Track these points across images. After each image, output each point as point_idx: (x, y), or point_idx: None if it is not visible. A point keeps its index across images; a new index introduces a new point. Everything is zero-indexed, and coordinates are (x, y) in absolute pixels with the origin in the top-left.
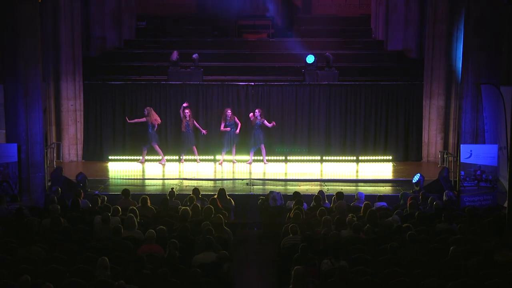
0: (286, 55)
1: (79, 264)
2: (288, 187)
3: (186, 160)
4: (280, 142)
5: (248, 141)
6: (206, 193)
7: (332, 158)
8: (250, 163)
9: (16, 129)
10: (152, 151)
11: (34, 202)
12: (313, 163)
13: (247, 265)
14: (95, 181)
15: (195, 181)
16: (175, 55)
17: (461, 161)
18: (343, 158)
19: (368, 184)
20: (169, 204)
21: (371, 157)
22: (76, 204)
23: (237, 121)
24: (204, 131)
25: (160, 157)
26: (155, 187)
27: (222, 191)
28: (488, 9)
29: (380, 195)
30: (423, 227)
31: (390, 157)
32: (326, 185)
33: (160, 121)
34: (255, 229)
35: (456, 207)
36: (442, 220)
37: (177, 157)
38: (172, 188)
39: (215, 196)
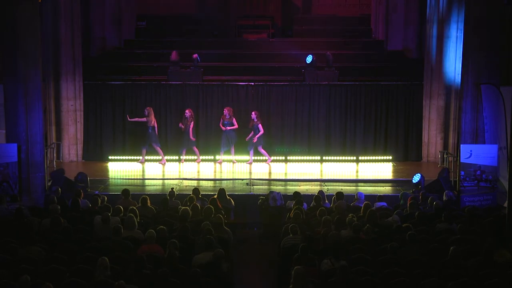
0: (286, 55)
1: (79, 264)
2: (288, 187)
3: (186, 160)
4: (280, 142)
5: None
6: (206, 193)
7: (332, 158)
8: (250, 163)
9: (16, 129)
10: (152, 151)
11: (34, 202)
12: (313, 163)
13: (247, 265)
14: (95, 181)
15: (195, 181)
16: (174, 55)
17: (461, 161)
18: (343, 158)
19: (368, 184)
20: (169, 204)
21: (371, 157)
22: (76, 204)
23: (235, 122)
24: (193, 139)
25: (160, 157)
26: (155, 187)
27: (222, 191)
28: (488, 9)
29: (380, 195)
30: (423, 227)
31: (390, 157)
32: (326, 185)
33: (155, 122)
34: (255, 229)
35: (456, 207)
36: (442, 220)
37: (177, 157)
38: (172, 188)
39: (215, 196)
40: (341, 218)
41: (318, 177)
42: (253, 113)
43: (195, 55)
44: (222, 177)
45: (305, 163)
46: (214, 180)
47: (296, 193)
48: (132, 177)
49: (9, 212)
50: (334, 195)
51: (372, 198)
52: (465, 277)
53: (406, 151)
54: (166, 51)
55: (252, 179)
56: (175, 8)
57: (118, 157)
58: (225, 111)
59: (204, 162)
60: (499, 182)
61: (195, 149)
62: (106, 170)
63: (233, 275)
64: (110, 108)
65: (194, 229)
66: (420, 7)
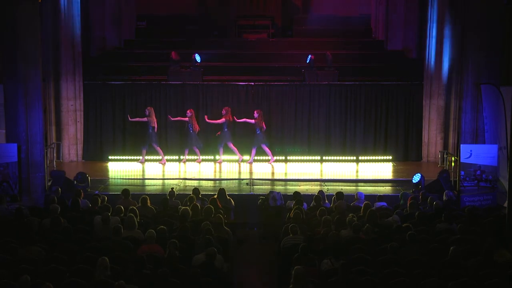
0: (286, 55)
1: (79, 264)
2: (288, 187)
3: (187, 160)
4: (280, 142)
5: (247, 141)
6: (206, 193)
7: (332, 158)
8: (250, 163)
9: (16, 129)
10: (152, 151)
11: (34, 202)
12: (313, 163)
13: (247, 265)
14: (95, 181)
15: (195, 181)
16: (174, 55)
17: (461, 161)
18: (343, 158)
19: (368, 184)
20: (169, 204)
21: (371, 157)
22: (76, 204)
23: (224, 119)
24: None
25: (160, 157)
26: (155, 187)
27: (222, 191)
28: (488, 9)
29: (380, 195)
30: (423, 227)
31: (390, 157)
32: (326, 185)
33: (156, 122)
34: (255, 229)
35: (456, 207)
36: (442, 220)
37: (177, 157)
38: (172, 188)
39: (215, 196)
40: (341, 218)
41: (318, 177)
42: (255, 112)
43: (195, 55)
44: (222, 177)
45: (305, 163)
46: (214, 180)
47: (296, 193)
48: (132, 177)
49: (9, 212)
50: (334, 195)
51: (372, 198)
52: (465, 277)
53: (406, 151)
54: (166, 51)
55: (252, 179)
56: (175, 8)
57: (118, 157)
58: (223, 112)
59: (204, 162)
60: (499, 182)
61: (196, 149)
62: (106, 170)
63: (233, 275)
64: (110, 108)
65: (194, 229)
66: (420, 7)
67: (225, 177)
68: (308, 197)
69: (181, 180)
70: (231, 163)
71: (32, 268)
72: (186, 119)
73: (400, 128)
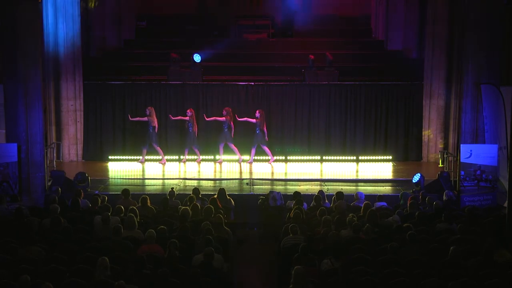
0: (286, 55)
1: (79, 264)
2: (288, 187)
3: (187, 160)
4: (280, 142)
5: (247, 140)
6: (206, 193)
7: (332, 158)
8: (250, 163)
9: (16, 129)
10: (153, 151)
11: (34, 202)
12: (313, 163)
13: (247, 265)
14: (95, 181)
15: (195, 181)
16: (174, 55)
17: (461, 161)
18: (343, 158)
19: (368, 184)
20: (169, 204)
21: (371, 157)
22: (76, 204)
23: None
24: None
25: (160, 157)
26: (155, 187)
27: (222, 191)
28: (488, 9)
29: (380, 195)
30: (423, 227)
31: (390, 157)
32: (326, 185)
33: (156, 121)
34: (255, 229)
35: (456, 207)
36: (442, 220)
37: (177, 157)
38: (172, 188)
39: (215, 196)
40: (341, 218)
41: (318, 177)
42: (257, 111)
43: (194, 55)
44: (222, 177)
45: (305, 163)
46: (214, 180)
47: (296, 193)
48: (132, 177)
49: (9, 212)
50: (334, 195)
51: (372, 198)
52: (465, 277)
53: (406, 151)
54: (166, 51)
55: (252, 179)
56: (175, 8)
57: (118, 157)
58: (224, 112)
59: (204, 162)
60: (499, 182)
61: (195, 149)
62: (106, 170)
63: (233, 275)
64: (110, 108)
65: (194, 229)
66: (420, 7)
67: (225, 177)
68: (308, 197)
69: (181, 180)
70: (231, 163)
71: (32, 268)
72: (187, 118)
73: (400, 128)
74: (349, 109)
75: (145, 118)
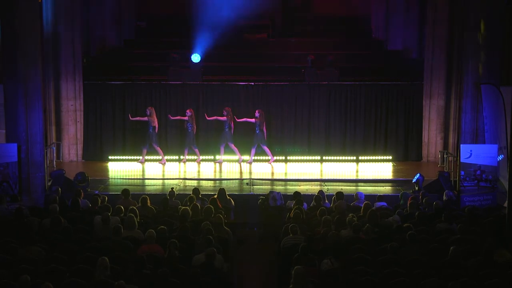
0: (286, 55)
1: (79, 264)
2: (288, 187)
3: (187, 160)
4: (280, 142)
5: (247, 140)
6: (206, 193)
7: (332, 158)
8: (250, 163)
9: (16, 129)
10: (153, 151)
11: (34, 202)
12: (313, 163)
13: (247, 265)
14: (95, 181)
15: (195, 181)
16: (174, 55)
17: (461, 161)
18: (343, 158)
19: (368, 184)
20: (169, 204)
21: (371, 157)
22: (76, 204)
23: (221, 118)
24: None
25: (160, 157)
26: (155, 187)
27: (222, 191)
28: (488, 9)
29: (380, 195)
30: (423, 227)
31: (390, 157)
32: (326, 185)
33: (156, 121)
34: (255, 229)
35: (456, 207)
36: (442, 220)
37: (177, 157)
38: (172, 188)
39: (215, 196)
40: (341, 218)
41: (318, 177)
42: (256, 111)
43: (193, 55)
44: (222, 177)
45: (305, 163)
46: (214, 180)
47: (296, 193)
48: (132, 177)
49: (9, 212)
50: (334, 195)
51: (372, 198)
52: (465, 277)
53: (406, 151)
54: (166, 51)
55: (252, 179)
56: (175, 8)
57: (118, 157)
58: (224, 112)
59: (204, 162)
60: (499, 182)
61: (195, 149)
62: (106, 170)
63: (233, 275)
64: (110, 108)
65: (194, 229)
66: (420, 7)
67: (225, 177)
68: (308, 197)
69: (181, 180)
70: (231, 163)
71: (32, 268)
72: (186, 118)
73: (400, 128)
74: (349, 109)
75: (145, 118)
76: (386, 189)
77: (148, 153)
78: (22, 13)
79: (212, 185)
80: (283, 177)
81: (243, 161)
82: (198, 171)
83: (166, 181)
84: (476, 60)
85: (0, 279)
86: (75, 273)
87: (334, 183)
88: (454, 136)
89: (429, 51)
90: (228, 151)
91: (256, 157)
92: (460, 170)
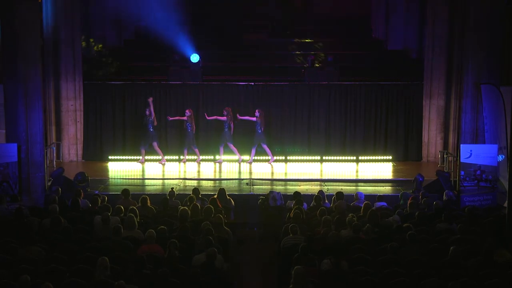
0: (286, 55)
1: (79, 264)
2: (288, 187)
3: (187, 160)
4: (280, 142)
5: (247, 140)
6: (206, 193)
7: (332, 158)
8: (250, 163)
9: (16, 129)
10: (152, 151)
11: (34, 202)
12: (313, 163)
13: (247, 265)
14: (95, 181)
15: (195, 181)
16: (174, 55)
17: (461, 161)
18: (343, 158)
19: (368, 184)
20: (169, 204)
21: (371, 157)
22: (76, 204)
23: (221, 118)
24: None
25: (160, 157)
26: (155, 187)
27: (222, 191)
28: (488, 9)
29: (380, 195)
30: (423, 227)
31: (390, 157)
32: (326, 185)
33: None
34: (255, 229)
35: (456, 207)
36: (442, 220)
37: (177, 157)
38: (172, 188)
39: (215, 196)
40: (341, 218)
41: (318, 177)
42: (256, 111)
43: (193, 55)
44: (222, 177)
45: (305, 163)
46: (214, 180)
47: (296, 193)
48: (132, 177)
49: (9, 212)
50: (334, 195)
51: (372, 198)
52: (465, 277)
53: (406, 151)
54: (166, 51)
55: (252, 179)
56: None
57: (118, 157)
58: (224, 112)
59: (204, 162)
60: (499, 182)
61: (195, 149)
62: (106, 170)
63: (233, 275)
64: (110, 108)
65: (194, 229)
66: (420, 7)
67: (225, 177)
68: (308, 197)
69: (181, 180)
70: (231, 163)
71: (32, 268)
72: (185, 118)
73: (400, 128)
74: (349, 109)
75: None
76: (386, 189)
77: (147, 153)
78: (22, 13)
79: (212, 185)
80: (283, 177)
81: (243, 161)
82: (198, 171)
83: (166, 181)
84: (476, 60)
85: (0, 279)
86: (75, 273)
87: (334, 183)
88: (454, 136)
89: (429, 51)
90: (228, 151)
91: (256, 157)
92: (460, 170)
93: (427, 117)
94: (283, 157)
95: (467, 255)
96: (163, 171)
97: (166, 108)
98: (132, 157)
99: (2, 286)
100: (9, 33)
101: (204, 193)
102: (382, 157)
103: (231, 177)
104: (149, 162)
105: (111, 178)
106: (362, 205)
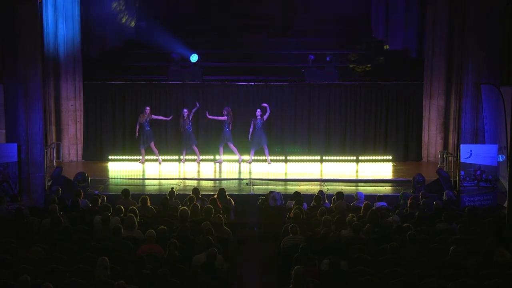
0: (286, 55)
1: (79, 264)
2: (288, 187)
3: (187, 160)
4: (280, 142)
5: (246, 140)
6: (206, 193)
7: (332, 158)
8: (250, 163)
9: (16, 129)
10: (149, 150)
11: (34, 202)
12: (313, 163)
13: (247, 265)
14: (95, 181)
15: (195, 181)
16: (174, 55)
17: (461, 161)
18: (343, 158)
19: (368, 184)
20: (169, 204)
21: (371, 157)
22: (76, 204)
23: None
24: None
25: (156, 157)
26: (155, 187)
27: (222, 191)
28: (488, 9)
29: (380, 195)
30: (423, 227)
31: (390, 157)
32: (326, 185)
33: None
34: (255, 229)
35: (456, 207)
36: (442, 220)
37: (177, 157)
38: (172, 188)
39: (215, 196)
40: (341, 218)
41: (318, 177)
42: (258, 110)
43: (192, 56)
44: (222, 177)
45: (305, 163)
46: (214, 180)
47: (296, 193)
48: (132, 177)
49: (9, 212)
50: (334, 195)
51: (372, 198)
52: (465, 277)
53: (406, 151)
54: (166, 51)
55: (252, 179)
56: (175, 8)
57: (118, 157)
58: (224, 111)
59: (204, 162)
60: (499, 182)
61: (195, 148)
62: (106, 170)
63: (233, 275)
64: (110, 108)
65: (194, 229)
66: (420, 7)
67: (225, 177)
68: (308, 197)
69: (181, 180)
70: (231, 163)
71: (32, 268)
72: (224, 118)
73: (400, 128)
74: (349, 109)
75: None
76: (386, 189)
77: (147, 153)
78: (22, 13)
79: (212, 185)
80: (283, 177)
81: (243, 161)
82: (198, 171)
83: (166, 181)
84: (476, 60)
85: (0, 279)
86: (75, 273)
87: (334, 183)
88: (454, 136)
89: (429, 51)
90: (228, 151)
91: (255, 157)
92: (460, 170)
93: (427, 117)
94: (283, 157)
95: (467, 255)
96: (163, 171)
97: (166, 108)
98: (132, 157)
99: (2, 286)
100: (9, 33)
101: (204, 193)
102: (382, 157)
103: (231, 177)
104: (149, 162)
105: (111, 178)
106: (362, 205)
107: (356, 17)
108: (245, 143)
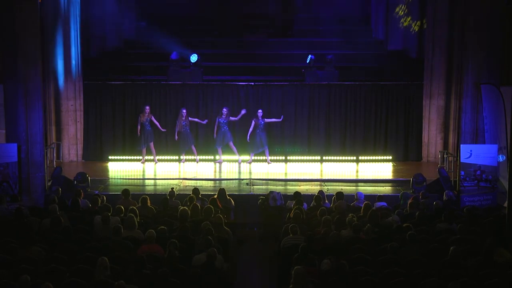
0: (286, 55)
1: (79, 264)
2: (288, 187)
3: (186, 160)
4: (280, 142)
5: (246, 141)
6: (206, 193)
7: (332, 158)
8: (250, 163)
9: (16, 129)
10: (147, 150)
11: (34, 202)
12: (313, 163)
13: (247, 265)
14: (95, 181)
15: (195, 181)
16: (174, 55)
17: (461, 161)
18: (343, 158)
19: (368, 184)
20: (169, 204)
21: (371, 157)
22: (76, 204)
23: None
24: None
25: (152, 157)
26: (155, 187)
27: (222, 191)
28: (488, 9)
29: (380, 195)
30: (423, 227)
31: (390, 157)
32: (326, 185)
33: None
34: (255, 229)
35: (456, 207)
36: (442, 220)
37: (176, 157)
38: (172, 188)
39: (215, 196)
40: (341, 218)
41: (318, 177)
42: (259, 111)
43: (192, 55)
44: (222, 177)
45: (305, 163)
46: (214, 180)
47: (296, 193)
48: (132, 177)
49: (9, 212)
50: (334, 195)
51: (372, 198)
52: (465, 277)
53: (406, 151)
54: (166, 51)
55: (252, 179)
56: (175, 8)
57: (118, 157)
58: (223, 111)
59: (204, 162)
60: (499, 182)
61: (193, 148)
62: (106, 170)
63: (233, 275)
64: (110, 108)
65: (194, 229)
66: (420, 7)
67: (225, 177)
68: (308, 197)
69: (181, 180)
70: (230, 163)
71: (32, 268)
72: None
73: (400, 128)
74: (349, 109)
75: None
76: (386, 189)
77: (147, 153)
78: (22, 13)
79: (212, 185)
80: (283, 177)
81: (243, 161)
82: (197, 171)
83: (166, 181)
84: (476, 60)
85: (0, 279)
86: (75, 273)
87: (334, 183)
88: (454, 136)
89: (429, 51)
90: (228, 151)
91: (255, 157)
92: (460, 170)
93: (427, 117)
94: (283, 157)
95: (467, 255)
96: (163, 171)
97: (166, 108)
98: (132, 157)
99: (2, 286)
100: (9, 33)
101: (204, 193)
102: (382, 157)
103: (231, 177)
104: (149, 162)
105: (111, 178)
106: (362, 205)
107: (356, 17)
108: (245, 143)
